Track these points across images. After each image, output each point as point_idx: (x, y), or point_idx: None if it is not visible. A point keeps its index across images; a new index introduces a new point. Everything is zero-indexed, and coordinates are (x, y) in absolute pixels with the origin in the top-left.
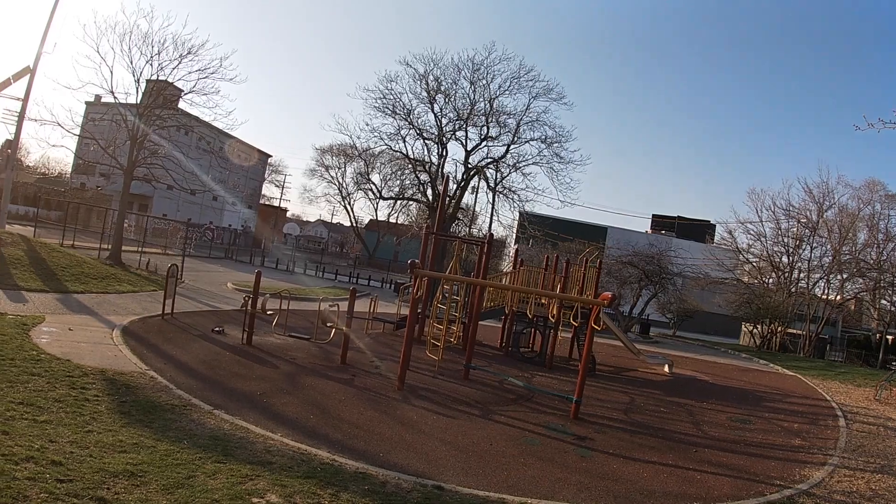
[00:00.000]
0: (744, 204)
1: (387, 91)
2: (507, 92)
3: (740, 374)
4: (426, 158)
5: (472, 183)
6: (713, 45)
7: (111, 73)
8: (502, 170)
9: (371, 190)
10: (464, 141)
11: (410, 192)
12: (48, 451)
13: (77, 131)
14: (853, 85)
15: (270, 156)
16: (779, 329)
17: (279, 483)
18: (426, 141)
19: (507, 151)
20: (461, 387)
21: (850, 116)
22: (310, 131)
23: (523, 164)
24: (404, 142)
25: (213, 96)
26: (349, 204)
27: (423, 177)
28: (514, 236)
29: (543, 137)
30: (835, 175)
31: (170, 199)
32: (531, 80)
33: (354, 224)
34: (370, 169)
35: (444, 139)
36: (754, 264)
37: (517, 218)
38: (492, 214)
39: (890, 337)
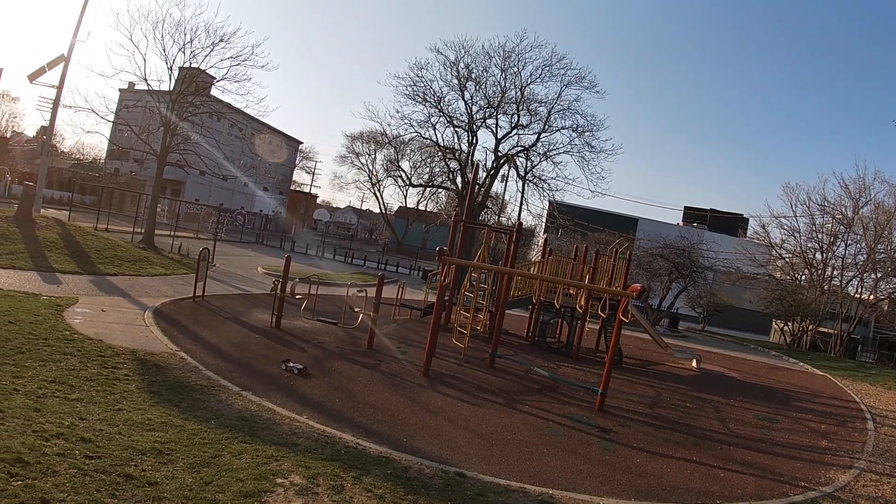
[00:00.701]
0: (778, 198)
1: (417, 78)
2: (538, 80)
3: (769, 371)
4: (456, 146)
5: (501, 171)
6: (752, 37)
7: (144, 60)
8: (532, 158)
9: (401, 177)
10: (494, 129)
11: (440, 179)
12: (78, 428)
13: (111, 118)
14: (894, 79)
15: (301, 142)
16: (810, 327)
17: (303, 464)
18: (456, 129)
19: (537, 140)
20: (486, 375)
21: (889, 111)
22: (341, 121)
23: (554, 152)
24: (434, 129)
25: (245, 83)
26: (379, 191)
27: (453, 164)
28: (544, 225)
29: (575, 126)
30: (871, 170)
31: (202, 184)
32: (563, 68)
33: (384, 211)
34: (400, 156)
35: (475, 127)
36: (787, 260)
37: (547, 207)
38: (521, 203)
39: None
